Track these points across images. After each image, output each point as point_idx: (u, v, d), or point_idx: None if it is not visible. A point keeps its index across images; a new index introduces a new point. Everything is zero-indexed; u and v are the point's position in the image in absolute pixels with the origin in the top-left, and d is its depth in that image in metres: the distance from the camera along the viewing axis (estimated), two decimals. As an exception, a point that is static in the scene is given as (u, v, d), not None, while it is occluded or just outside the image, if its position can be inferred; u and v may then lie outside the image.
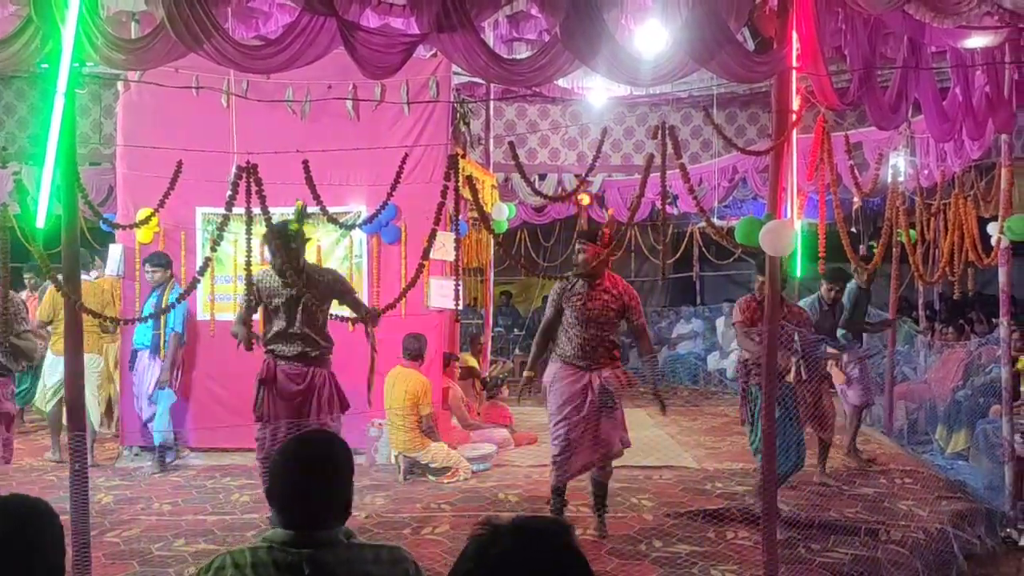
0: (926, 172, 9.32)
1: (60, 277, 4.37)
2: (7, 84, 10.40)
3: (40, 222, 4.42)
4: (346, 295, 5.86)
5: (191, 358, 7.84)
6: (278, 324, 5.72)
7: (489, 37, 7.73)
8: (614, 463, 5.91)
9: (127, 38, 5.24)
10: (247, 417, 7.51)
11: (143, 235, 7.68)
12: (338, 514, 2.24)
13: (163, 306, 6.74)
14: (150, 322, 7.12)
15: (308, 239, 5.88)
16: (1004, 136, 6.63)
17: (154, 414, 7.44)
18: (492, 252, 10.36)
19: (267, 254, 5.63)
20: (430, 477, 7.23)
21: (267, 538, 2.19)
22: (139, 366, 7.52)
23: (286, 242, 5.44)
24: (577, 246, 5.88)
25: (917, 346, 10.26)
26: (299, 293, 5.45)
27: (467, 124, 9.43)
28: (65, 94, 4.31)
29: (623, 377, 5.84)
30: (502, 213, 9.18)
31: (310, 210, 7.31)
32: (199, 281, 4.84)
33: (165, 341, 7.43)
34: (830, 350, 7.42)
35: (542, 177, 12.33)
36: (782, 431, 5.95)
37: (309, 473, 2.23)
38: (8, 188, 9.62)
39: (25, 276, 9.12)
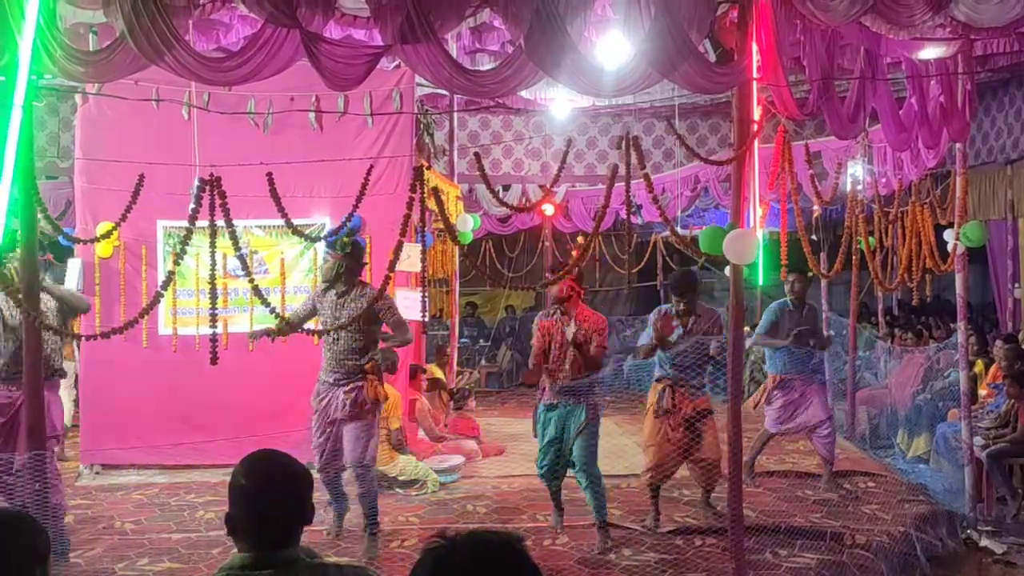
0: (884, 180, 9.49)
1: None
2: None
3: (-4, 238, 4.34)
4: None
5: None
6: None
7: (452, 49, 7.74)
8: None
9: (86, 50, 5.17)
10: (209, 433, 7.48)
11: (103, 249, 7.57)
12: (298, 532, 2.19)
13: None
14: None
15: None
16: (959, 145, 6.76)
17: None
18: (457, 263, 10.35)
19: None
20: (398, 490, 7.18)
21: (225, 566, 2.13)
22: None
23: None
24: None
25: (878, 352, 10.41)
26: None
27: (431, 135, 9.42)
28: (23, 107, 4.24)
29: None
30: (467, 224, 9.17)
31: (272, 223, 7.33)
32: (162, 296, 4.78)
33: None
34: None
35: (506, 188, 12.37)
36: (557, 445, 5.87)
37: (273, 492, 2.15)
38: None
39: None
